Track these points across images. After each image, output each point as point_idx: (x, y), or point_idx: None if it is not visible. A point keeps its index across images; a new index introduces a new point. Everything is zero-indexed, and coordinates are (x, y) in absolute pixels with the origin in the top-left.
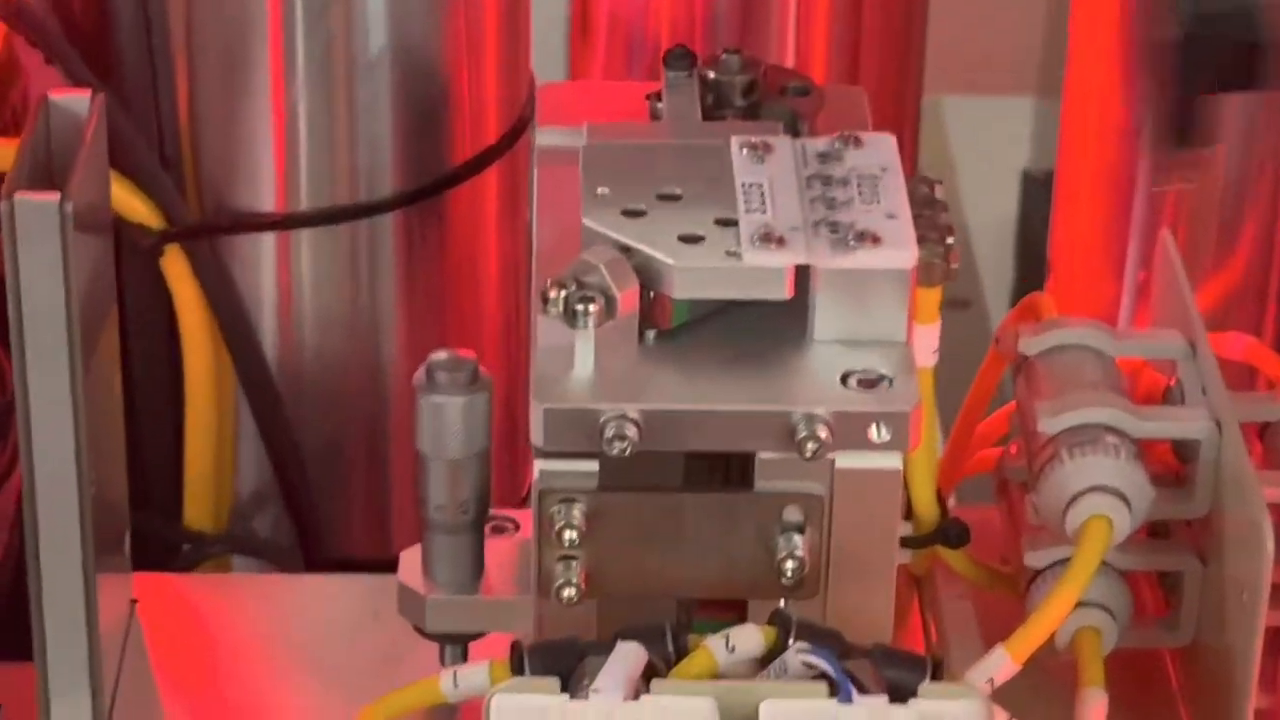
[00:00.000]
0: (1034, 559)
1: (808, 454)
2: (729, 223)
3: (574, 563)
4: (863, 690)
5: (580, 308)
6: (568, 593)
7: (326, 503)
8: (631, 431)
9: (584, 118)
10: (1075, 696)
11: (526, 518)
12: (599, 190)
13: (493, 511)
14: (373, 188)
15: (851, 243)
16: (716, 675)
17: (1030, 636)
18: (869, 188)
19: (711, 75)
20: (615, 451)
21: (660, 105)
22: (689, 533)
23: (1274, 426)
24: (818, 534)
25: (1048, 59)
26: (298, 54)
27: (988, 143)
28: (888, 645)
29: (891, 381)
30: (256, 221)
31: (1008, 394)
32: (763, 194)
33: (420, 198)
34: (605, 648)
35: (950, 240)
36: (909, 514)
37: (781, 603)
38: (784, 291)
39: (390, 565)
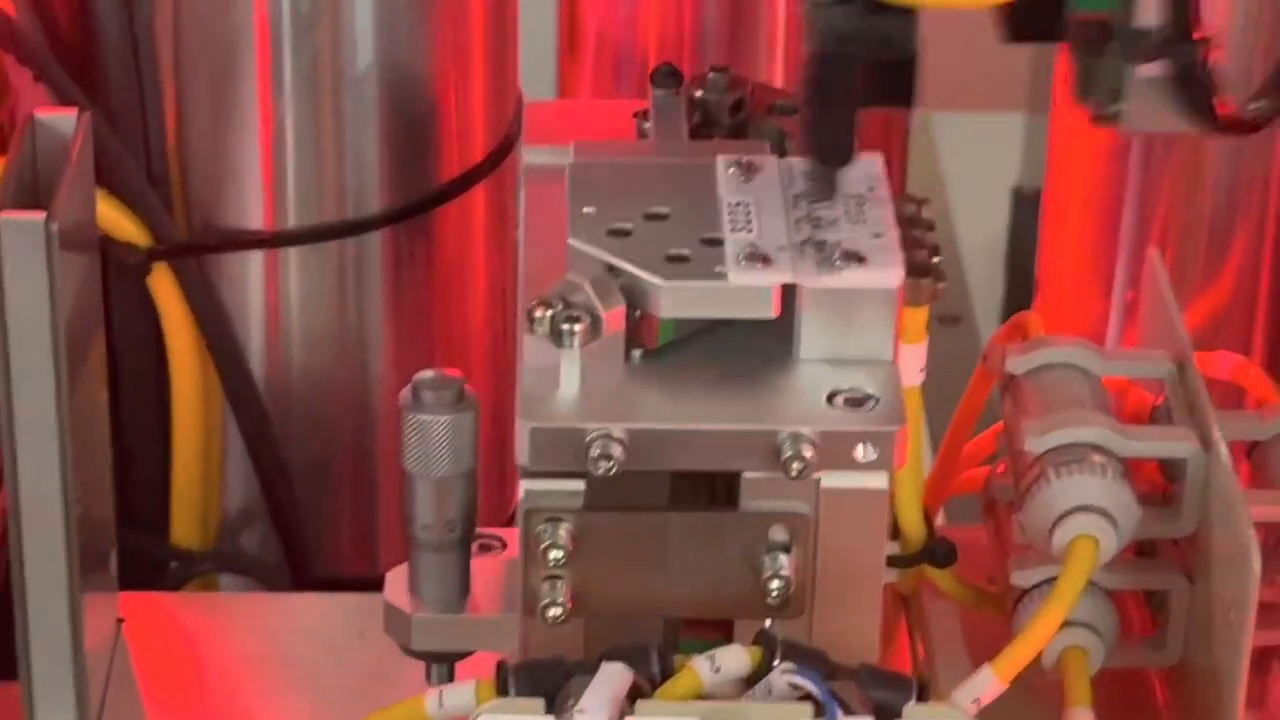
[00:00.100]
0: (1021, 578)
1: (793, 473)
2: (715, 242)
3: (560, 582)
4: (848, 711)
5: (566, 327)
6: (554, 612)
7: (314, 521)
8: (617, 451)
9: (571, 136)
10: (1062, 716)
11: (514, 536)
12: (585, 209)
13: (480, 530)
14: (360, 206)
15: (837, 262)
16: (702, 696)
17: (1017, 656)
18: (855, 207)
19: (698, 94)
20: (601, 471)
21: (647, 124)
22: (675, 552)
23: (1261, 446)
24: (803, 553)
25: (1038, 75)
26: (285, 72)
27: (978, 160)
28: (874, 665)
29: (877, 401)
30: (244, 239)
31: (996, 412)
32: (749, 213)
33: (407, 216)
34: (590, 668)
35: (937, 259)
36: (896, 533)
37: (767, 622)
38: (770, 311)
39: (377, 584)
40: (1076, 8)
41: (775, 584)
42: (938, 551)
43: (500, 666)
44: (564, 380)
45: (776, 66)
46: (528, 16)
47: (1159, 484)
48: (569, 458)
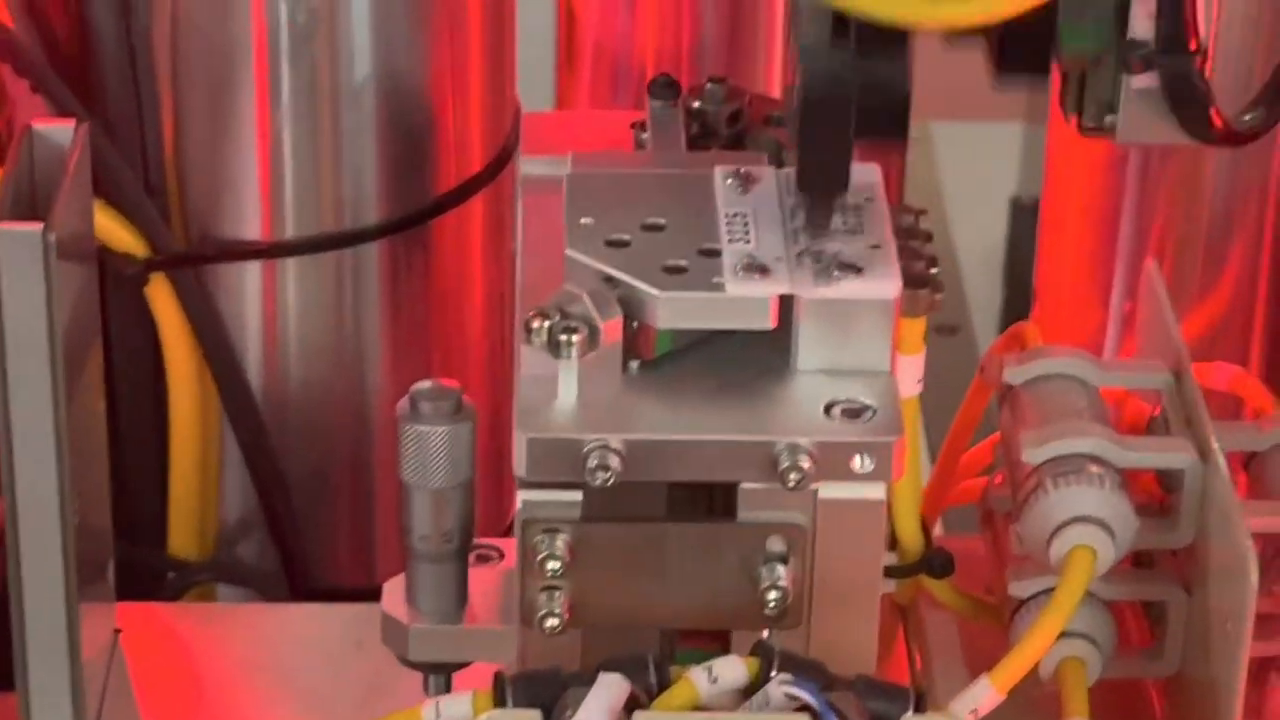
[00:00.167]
0: (1018, 589)
1: (791, 484)
2: (712, 253)
3: (557, 593)
4: None
5: (564, 338)
6: (551, 623)
7: (311, 531)
8: (614, 461)
9: (569, 147)
10: None
11: (511, 547)
12: (582, 220)
13: (477, 541)
14: (358, 216)
15: (835, 273)
16: (699, 706)
17: (1014, 667)
18: (853, 217)
19: (696, 105)
20: (598, 482)
21: (644, 135)
22: (672, 563)
23: (1259, 457)
24: (801, 564)
25: (1036, 85)
26: (283, 83)
27: (976, 170)
28: (871, 676)
29: (875, 412)
30: (241, 250)
31: (994, 423)
32: (746, 224)
33: (405, 226)
34: (588, 679)
35: (935, 270)
36: (893, 544)
37: (765, 633)
38: (768, 321)
39: (375, 594)
40: (1064, 46)
41: (773, 595)
42: (935, 562)
43: (498, 677)
44: (561, 391)
45: (774, 77)
46: (526, 27)
47: (1156, 495)
48: (566, 468)
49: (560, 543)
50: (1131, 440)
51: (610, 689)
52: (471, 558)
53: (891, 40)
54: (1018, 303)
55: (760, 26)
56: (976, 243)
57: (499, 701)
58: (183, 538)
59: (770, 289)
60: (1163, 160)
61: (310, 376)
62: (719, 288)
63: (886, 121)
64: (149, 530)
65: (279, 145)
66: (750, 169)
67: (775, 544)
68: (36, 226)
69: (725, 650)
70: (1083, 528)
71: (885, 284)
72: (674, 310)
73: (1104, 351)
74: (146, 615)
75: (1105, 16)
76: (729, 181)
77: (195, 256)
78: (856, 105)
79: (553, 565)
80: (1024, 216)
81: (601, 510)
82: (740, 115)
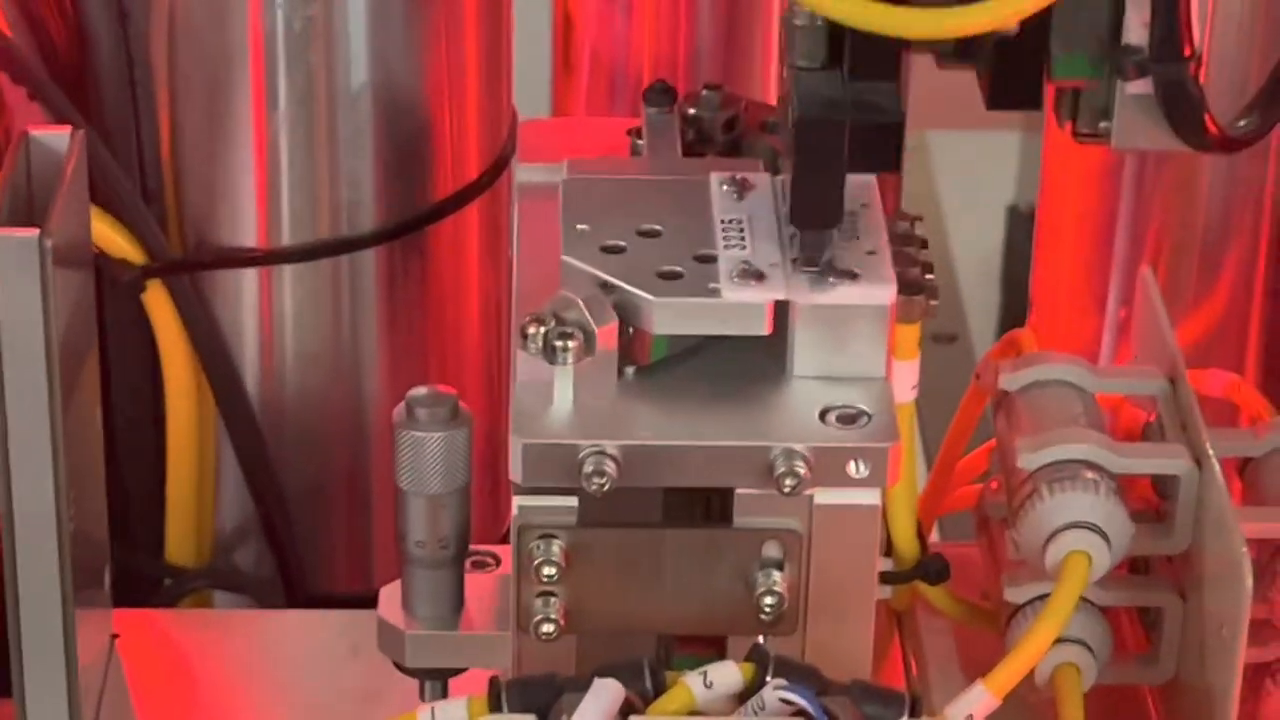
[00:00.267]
0: (1014, 594)
1: (786, 490)
2: (708, 259)
3: (553, 598)
4: None
5: (559, 344)
6: (547, 628)
7: (308, 538)
8: (610, 467)
9: (565, 154)
10: None
11: (507, 553)
12: (578, 226)
13: (473, 547)
14: (354, 223)
15: (830, 279)
16: (694, 712)
17: (1010, 672)
18: (848, 224)
19: (691, 111)
20: (594, 488)
21: (640, 142)
22: (668, 568)
23: (1254, 463)
24: (796, 570)
25: None
26: (279, 89)
27: (973, 178)
28: (866, 681)
29: (870, 417)
30: (238, 257)
31: (990, 430)
32: (742, 230)
33: (402, 233)
34: (583, 684)
35: (930, 277)
36: (889, 549)
37: (760, 639)
38: (763, 327)
39: (372, 601)
40: (1055, 76)
41: (768, 600)
42: (931, 568)
43: (493, 683)
44: (557, 397)
45: (769, 84)
46: (523, 35)
47: (1152, 501)
48: (562, 474)
49: (556, 548)
50: (1127, 446)
51: (605, 694)
52: (467, 564)
53: (885, 67)
54: (1015, 311)
55: (755, 33)
56: (974, 251)
57: (494, 707)
58: (179, 544)
59: (766, 295)
60: (1158, 167)
61: (307, 383)
62: (715, 293)
63: (879, 149)
64: (145, 536)
65: (275, 152)
66: (746, 175)
67: (771, 549)
68: (33, 232)
69: (721, 656)
70: (1078, 533)
71: (880, 290)
72: (669, 316)
73: (1100, 358)
74: (143, 621)
75: (1097, 46)
76: (725, 187)
77: (192, 263)
78: (850, 133)
79: (548, 571)
80: (1021, 224)
81: (597, 516)
82: (736, 122)
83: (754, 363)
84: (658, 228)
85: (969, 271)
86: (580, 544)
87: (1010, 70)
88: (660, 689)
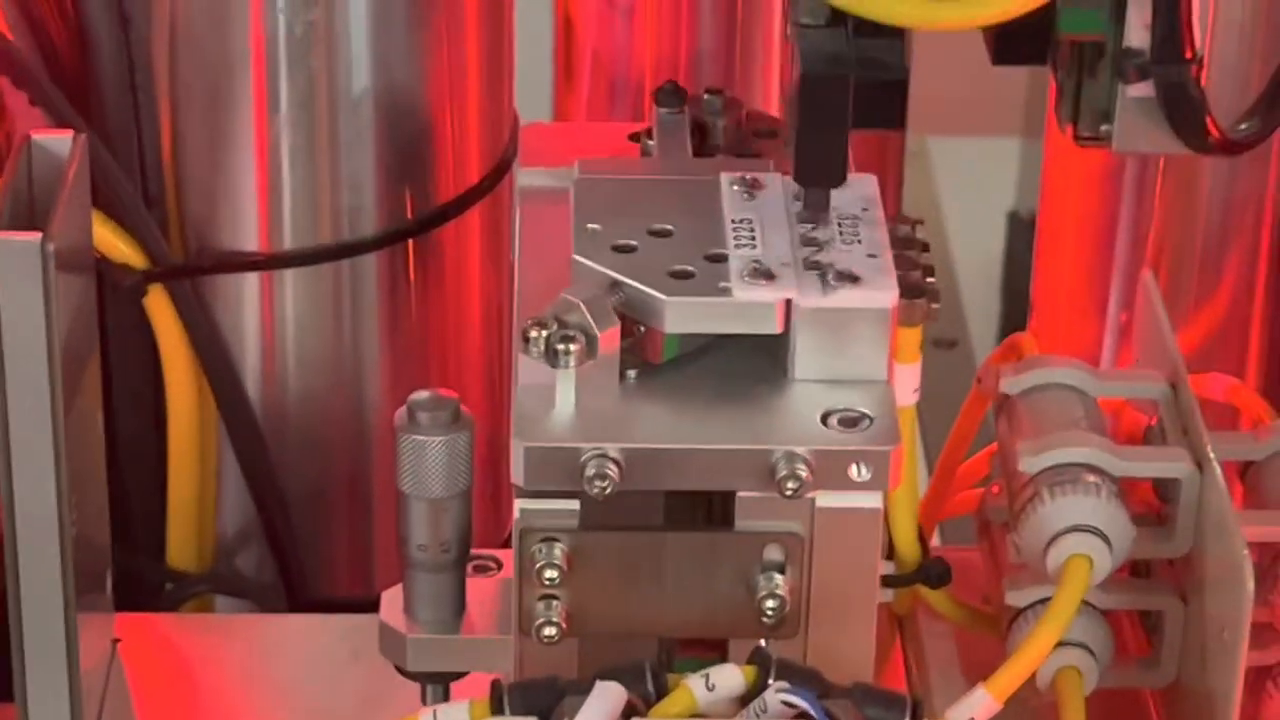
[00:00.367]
0: (1015, 598)
1: (788, 493)
2: (719, 258)
3: (555, 602)
4: None
5: (561, 347)
6: (548, 631)
7: (309, 542)
8: (612, 470)
9: (567, 158)
10: None
11: (509, 557)
12: (590, 226)
13: (475, 551)
14: (356, 227)
15: (832, 282)
16: (696, 714)
17: (1011, 675)
18: (850, 227)
19: (693, 115)
20: (596, 491)
21: (650, 142)
22: (669, 572)
23: (1255, 466)
24: (798, 573)
25: (1032, 99)
26: (281, 94)
27: (974, 184)
28: (868, 684)
29: (872, 421)
30: (239, 261)
31: (991, 434)
32: (753, 230)
33: (403, 238)
34: (585, 687)
35: (931, 280)
36: (891, 553)
37: (762, 642)
38: (773, 326)
39: (373, 605)
40: (1063, 30)
41: (770, 603)
42: (933, 571)
43: (495, 686)
44: (559, 400)
45: (772, 90)
46: (524, 39)
47: (1153, 504)
48: (564, 477)
49: (558, 552)
50: (1128, 450)
51: (607, 697)
52: (469, 568)
53: (888, 28)
54: (1015, 316)
55: (757, 40)
56: (975, 257)
57: (496, 710)
58: (181, 548)
59: (776, 294)
60: (1159, 171)
61: (308, 387)
62: (726, 293)
63: (882, 106)
64: (147, 541)
65: (277, 156)
66: (756, 175)
67: (773, 553)
68: (35, 236)
69: (723, 658)
70: (1079, 537)
71: (882, 293)
72: (681, 314)
73: (1101, 362)
74: (145, 626)
75: (1103, 3)
76: (735, 187)
77: (193, 268)
78: (853, 91)
79: (550, 574)
80: (1021, 230)
81: (599, 519)
82: (738, 128)
83: (756, 366)
84: (669, 227)
85: (970, 277)
86: (582, 547)
87: (1016, 24)
88: (662, 692)
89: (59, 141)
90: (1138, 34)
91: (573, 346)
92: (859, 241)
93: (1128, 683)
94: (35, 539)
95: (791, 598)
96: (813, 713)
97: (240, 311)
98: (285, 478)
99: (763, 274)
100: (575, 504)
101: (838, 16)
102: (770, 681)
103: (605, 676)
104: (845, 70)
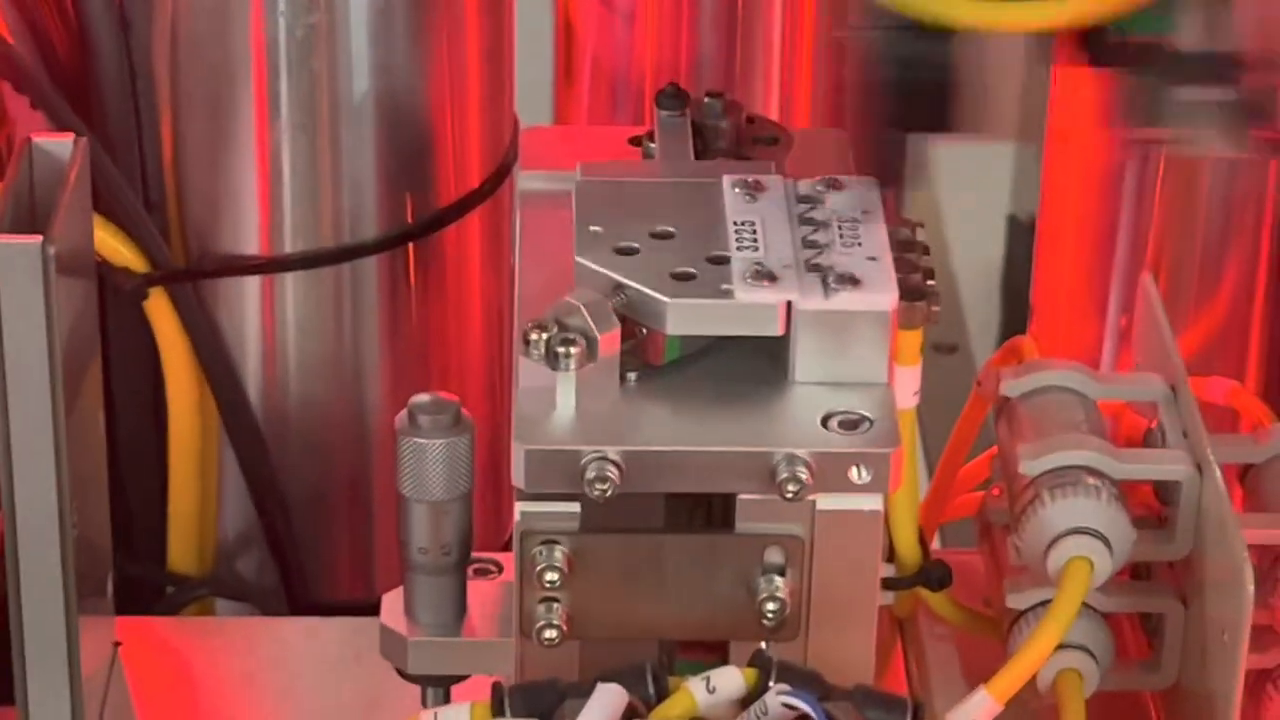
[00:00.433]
0: (1016, 600)
1: (789, 495)
2: (721, 260)
3: (556, 604)
4: None
5: (561, 350)
6: (549, 634)
7: (310, 545)
8: (613, 473)
9: (567, 162)
10: None
11: (509, 561)
12: (592, 228)
13: (475, 554)
14: (356, 231)
15: (832, 285)
16: (697, 717)
17: (1012, 678)
18: (850, 230)
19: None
20: (596, 493)
21: (652, 145)
22: (670, 574)
23: (1255, 469)
24: (799, 575)
25: (1026, 105)
26: (281, 98)
27: (974, 188)
28: (869, 687)
29: (872, 423)
30: (240, 265)
31: (991, 438)
32: (754, 232)
33: (404, 241)
34: (586, 689)
35: (931, 282)
36: (891, 556)
37: (762, 644)
38: (776, 328)
39: (374, 608)
40: (1129, 32)
41: (771, 606)
42: (933, 574)
43: (496, 688)
44: (560, 403)
45: (772, 94)
46: (524, 43)
47: (1153, 507)
48: (565, 480)
49: (559, 554)
50: (1128, 452)
51: (608, 699)
52: (470, 571)
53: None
54: (1015, 321)
55: (758, 44)
56: (974, 261)
57: (497, 712)
58: (182, 552)
59: (779, 295)
60: (1158, 174)
61: (309, 391)
62: (728, 294)
63: (932, 109)
64: (148, 544)
65: (278, 160)
66: (758, 177)
67: (773, 555)
68: (36, 239)
69: (723, 661)
70: (1080, 539)
71: (882, 295)
72: (683, 316)
73: (1101, 365)
74: (145, 629)
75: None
76: (737, 190)
77: (194, 271)
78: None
79: (551, 577)
80: (1021, 235)
81: (600, 522)
82: (738, 131)
83: (756, 368)
84: (671, 229)
85: (970, 282)
86: (583, 550)
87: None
88: (663, 694)
89: (60, 145)
90: (1205, 38)
91: (573, 349)
92: (860, 244)
93: (1128, 685)
94: (36, 542)
95: (792, 600)
96: (813, 715)
97: (241, 315)
98: (286, 481)
99: (765, 276)
100: (576, 506)
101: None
102: (771, 684)
103: (606, 679)
104: (907, 73)
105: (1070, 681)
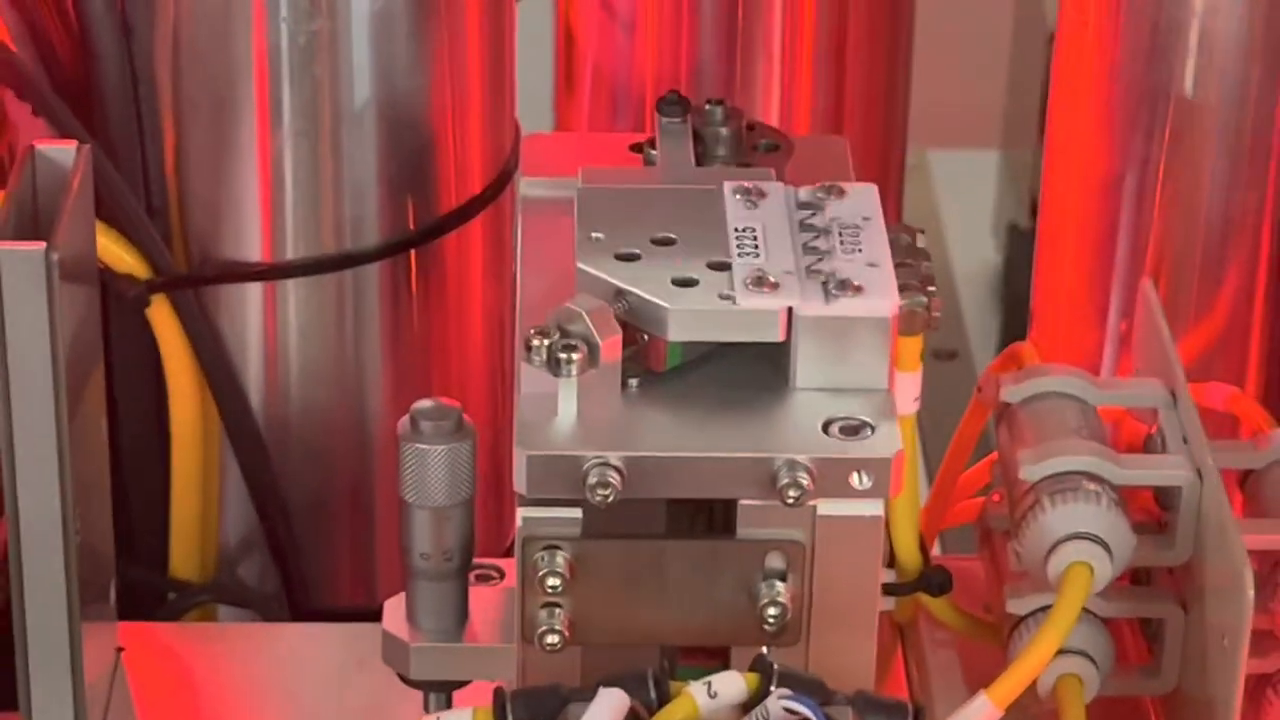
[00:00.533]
0: (1016, 606)
1: (789, 501)
2: (722, 266)
3: (558, 610)
4: None
5: (563, 356)
6: (551, 640)
7: (312, 552)
8: (614, 479)
9: (568, 168)
10: None
11: (511, 567)
12: (593, 234)
13: (477, 560)
14: (358, 237)
15: (833, 291)
16: None
17: (1012, 683)
18: (850, 237)
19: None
20: (598, 499)
21: (653, 151)
22: (672, 580)
23: (1255, 475)
24: (800, 581)
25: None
26: (283, 104)
27: (974, 196)
28: (869, 691)
29: (873, 429)
30: (242, 271)
31: (991, 444)
32: (755, 238)
33: (406, 248)
34: (588, 695)
35: (932, 289)
36: (892, 561)
37: (764, 649)
38: (777, 334)
39: (376, 615)
40: None
41: (772, 611)
42: (934, 580)
43: (498, 693)
44: (561, 409)
45: (771, 103)
46: (525, 51)
47: (1153, 512)
48: (566, 486)
49: (560, 560)
50: (1128, 458)
51: (610, 704)
52: (471, 577)
53: None
54: (1015, 328)
55: (758, 52)
56: (975, 269)
57: (499, 717)
58: (184, 558)
59: (780, 302)
60: (1158, 180)
61: (311, 397)
62: (729, 300)
63: None
64: (150, 550)
65: (280, 166)
66: (759, 184)
67: (774, 560)
68: (39, 246)
69: (725, 666)
70: (1080, 544)
71: (882, 301)
72: (685, 322)
73: (1101, 371)
74: (148, 635)
75: None
76: (738, 196)
77: (196, 278)
78: None
79: (553, 582)
80: (1020, 242)
81: (601, 527)
82: (739, 138)
83: (757, 374)
84: (672, 236)
85: (969, 289)
86: (584, 555)
87: None
88: (664, 699)
89: (63, 152)
90: None
91: (575, 355)
92: (860, 250)
93: (1128, 690)
94: (39, 548)
95: (793, 605)
96: None
97: (243, 321)
98: (288, 487)
99: (765, 282)
100: (577, 512)
101: None
102: (772, 689)
103: (608, 684)
104: None
105: (1070, 687)
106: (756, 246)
